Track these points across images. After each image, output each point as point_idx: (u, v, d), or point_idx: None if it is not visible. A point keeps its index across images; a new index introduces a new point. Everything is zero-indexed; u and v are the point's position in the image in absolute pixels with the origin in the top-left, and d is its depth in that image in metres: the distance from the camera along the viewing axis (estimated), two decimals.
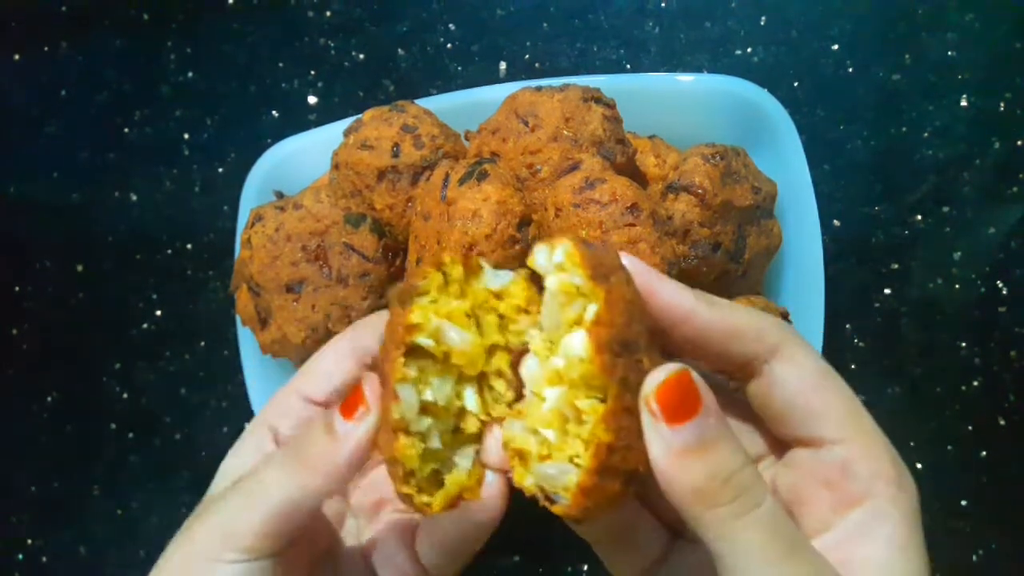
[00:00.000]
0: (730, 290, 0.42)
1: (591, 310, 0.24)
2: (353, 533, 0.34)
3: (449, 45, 0.59)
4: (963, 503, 0.50)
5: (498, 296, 0.27)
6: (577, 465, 0.24)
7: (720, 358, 0.27)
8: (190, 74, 0.62)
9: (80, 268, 0.62)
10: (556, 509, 0.25)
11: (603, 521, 0.29)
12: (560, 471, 0.24)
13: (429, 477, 0.26)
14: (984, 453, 0.51)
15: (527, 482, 0.26)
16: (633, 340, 0.24)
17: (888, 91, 0.54)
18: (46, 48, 0.65)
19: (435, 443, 0.26)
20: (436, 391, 0.26)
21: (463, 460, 0.27)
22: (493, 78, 0.58)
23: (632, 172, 0.43)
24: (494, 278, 0.27)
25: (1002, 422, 0.51)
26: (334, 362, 0.32)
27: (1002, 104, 0.53)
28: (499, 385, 0.28)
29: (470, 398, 0.27)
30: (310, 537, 0.32)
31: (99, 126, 0.63)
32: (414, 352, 0.26)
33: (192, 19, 0.62)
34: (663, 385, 0.23)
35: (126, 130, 0.63)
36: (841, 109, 0.54)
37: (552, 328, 0.26)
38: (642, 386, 0.24)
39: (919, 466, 0.51)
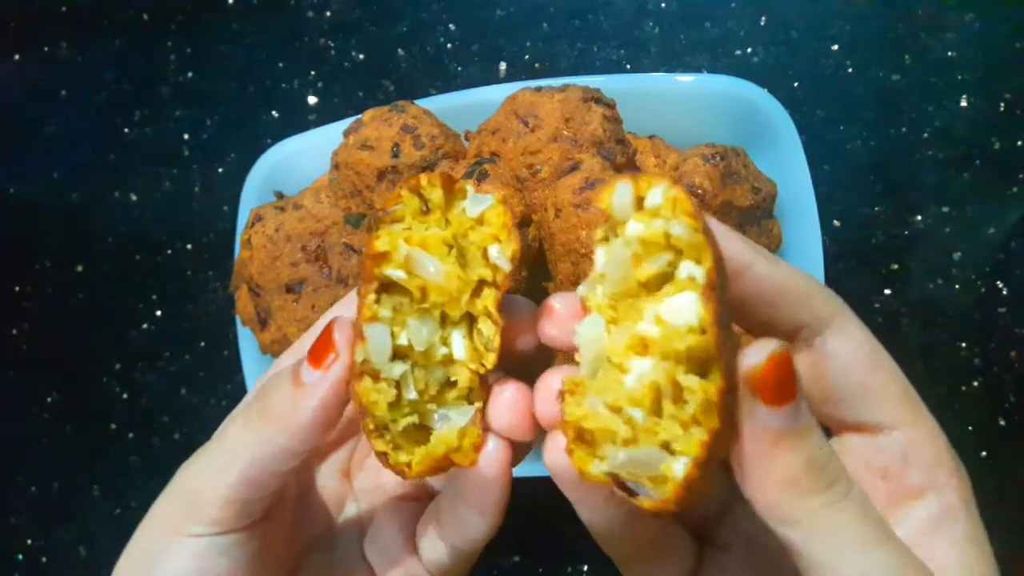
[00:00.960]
0: None
1: (700, 271, 0.20)
2: (354, 519, 0.31)
3: (449, 45, 0.59)
4: None
5: (480, 223, 0.24)
6: (672, 452, 0.20)
7: (766, 324, 0.24)
8: (190, 74, 0.62)
9: (80, 268, 0.62)
10: (644, 503, 0.21)
11: (632, 534, 0.25)
12: (654, 458, 0.20)
13: (409, 433, 0.24)
14: (984, 453, 0.51)
15: (594, 468, 0.21)
16: (727, 308, 0.21)
17: (888, 91, 0.54)
18: (46, 48, 0.65)
19: (411, 393, 0.23)
20: (414, 334, 0.23)
21: (459, 418, 0.24)
22: (493, 78, 0.58)
23: (632, 172, 0.43)
24: (475, 203, 0.24)
25: (1002, 422, 0.51)
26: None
27: (1002, 104, 0.53)
28: (487, 328, 0.24)
29: (458, 344, 0.24)
30: (300, 518, 0.29)
31: (99, 126, 0.63)
32: (389, 289, 0.23)
33: (192, 19, 0.62)
34: (768, 363, 0.20)
35: (126, 130, 0.63)
36: (841, 109, 0.54)
37: (619, 284, 0.22)
38: (740, 363, 0.20)
39: None
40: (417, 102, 0.45)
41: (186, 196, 0.61)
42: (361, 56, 0.60)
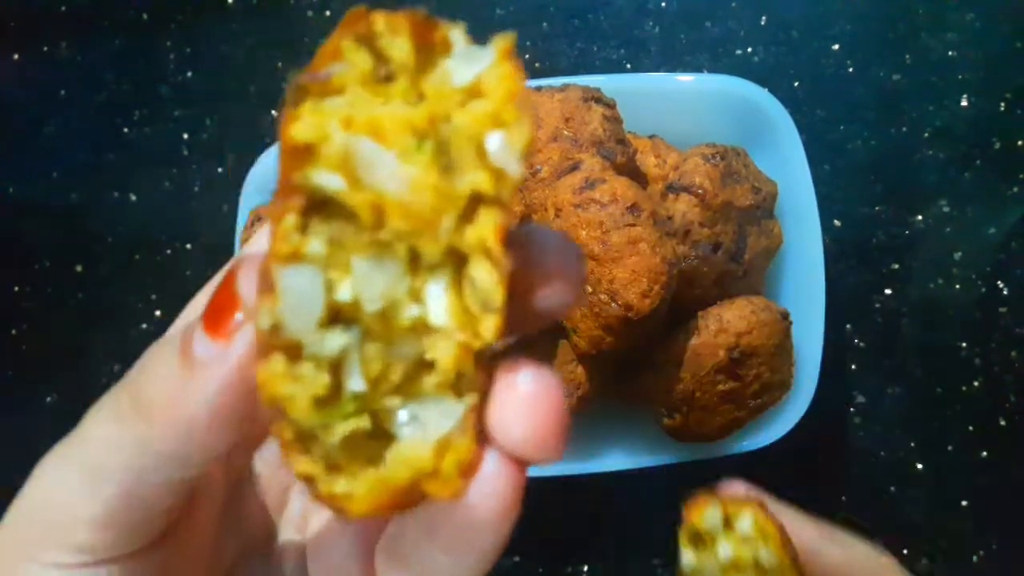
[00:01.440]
0: (730, 290, 0.42)
1: None
2: (298, 520, 0.23)
3: None
4: (964, 503, 0.50)
5: (473, 96, 0.14)
6: None
7: None
8: (189, 74, 0.62)
9: (79, 268, 0.62)
10: None
11: None
12: None
13: (355, 446, 0.15)
14: (985, 453, 0.50)
15: None
16: None
17: (889, 91, 0.54)
18: (45, 48, 0.65)
19: (355, 381, 0.14)
20: (363, 283, 0.14)
21: (437, 420, 0.15)
22: None
23: (632, 172, 0.43)
24: (466, 62, 0.14)
25: (1003, 422, 0.51)
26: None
27: (1003, 104, 0.53)
28: (483, 274, 0.14)
29: (436, 300, 0.14)
30: (229, 522, 0.21)
31: (98, 126, 0.63)
32: (325, 211, 0.14)
33: (192, 19, 0.62)
34: None
35: (125, 130, 0.62)
36: (841, 109, 0.54)
37: None
38: None
39: (920, 466, 0.51)
40: None
41: (186, 196, 0.61)
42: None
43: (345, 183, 0.14)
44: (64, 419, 0.64)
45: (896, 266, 0.52)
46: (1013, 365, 0.51)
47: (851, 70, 0.54)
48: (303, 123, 0.14)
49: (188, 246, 0.60)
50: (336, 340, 0.14)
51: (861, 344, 0.52)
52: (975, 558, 0.50)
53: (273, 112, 0.60)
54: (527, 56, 0.58)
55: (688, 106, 0.46)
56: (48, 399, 0.61)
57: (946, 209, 0.52)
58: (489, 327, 0.14)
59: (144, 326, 0.60)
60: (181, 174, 0.61)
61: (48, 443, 0.63)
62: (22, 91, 0.65)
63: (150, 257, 0.61)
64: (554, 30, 0.57)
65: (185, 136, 0.61)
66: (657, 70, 0.56)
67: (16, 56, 0.65)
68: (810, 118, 0.54)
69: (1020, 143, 0.53)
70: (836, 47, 0.54)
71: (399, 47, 0.14)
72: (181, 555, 0.19)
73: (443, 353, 0.14)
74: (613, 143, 0.40)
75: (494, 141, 0.14)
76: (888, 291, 0.52)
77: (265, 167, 0.50)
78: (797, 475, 0.52)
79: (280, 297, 0.14)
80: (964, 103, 0.53)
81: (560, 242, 0.16)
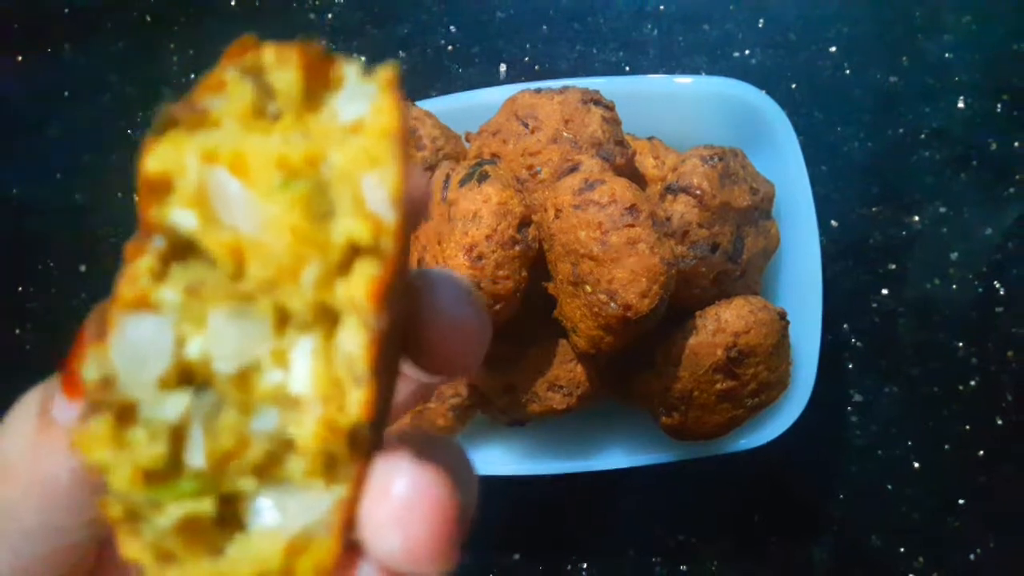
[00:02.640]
0: (728, 290, 0.43)
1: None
2: None
3: (449, 47, 0.59)
4: (960, 502, 0.51)
5: (354, 131, 0.13)
6: None
7: None
8: (193, 76, 0.62)
9: (83, 268, 0.63)
10: None
11: None
12: None
13: (196, 531, 0.12)
14: (981, 452, 0.51)
15: None
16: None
17: (885, 93, 0.54)
18: (49, 49, 0.65)
19: (195, 455, 0.12)
20: (217, 338, 0.12)
21: (299, 512, 0.13)
22: (493, 80, 0.58)
23: (631, 173, 0.43)
24: (353, 98, 0.13)
25: (999, 422, 0.51)
26: None
27: (999, 106, 0.53)
28: (352, 337, 0.12)
29: (300, 363, 0.13)
30: None
31: (102, 127, 0.63)
32: (187, 256, 0.13)
33: (194, 21, 0.63)
34: None
35: (129, 131, 0.63)
36: (839, 111, 0.54)
37: None
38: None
39: (916, 465, 0.51)
40: (418, 103, 0.45)
41: None
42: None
43: (199, 221, 0.12)
44: None
45: (893, 266, 0.53)
46: (1009, 364, 0.51)
47: (848, 72, 0.54)
48: (158, 153, 0.12)
49: None
50: (178, 404, 0.12)
51: (858, 344, 0.53)
52: (972, 556, 0.50)
53: None
54: (527, 59, 0.58)
55: (686, 108, 0.47)
56: None
57: (943, 210, 0.53)
58: (357, 400, 0.12)
59: None
60: None
61: None
62: (26, 92, 0.65)
63: None
64: (554, 33, 0.58)
65: None
66: (656, 72, 0.57)
67: (20, 57, 0.66)
68: (807, 120, 0.54)
69: (1016, 144, 0.53)
70: (833, 49, 0.55)
71: (285, 81, 0.13)
72: None
73: (305, 429, 0.12)
74: (612, 145, 0.40)
75: (368, 183, 0.12)
76: (885, 291, 0.53)
77: None
78: (794, 474, 0.52)
79: (114, 345, 0.12)
80: (960, 105, 0.54)
81: (457, 291, 0.14)
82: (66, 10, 0.65)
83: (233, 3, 0.62)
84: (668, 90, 0.47)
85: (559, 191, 0.38)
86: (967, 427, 0.51)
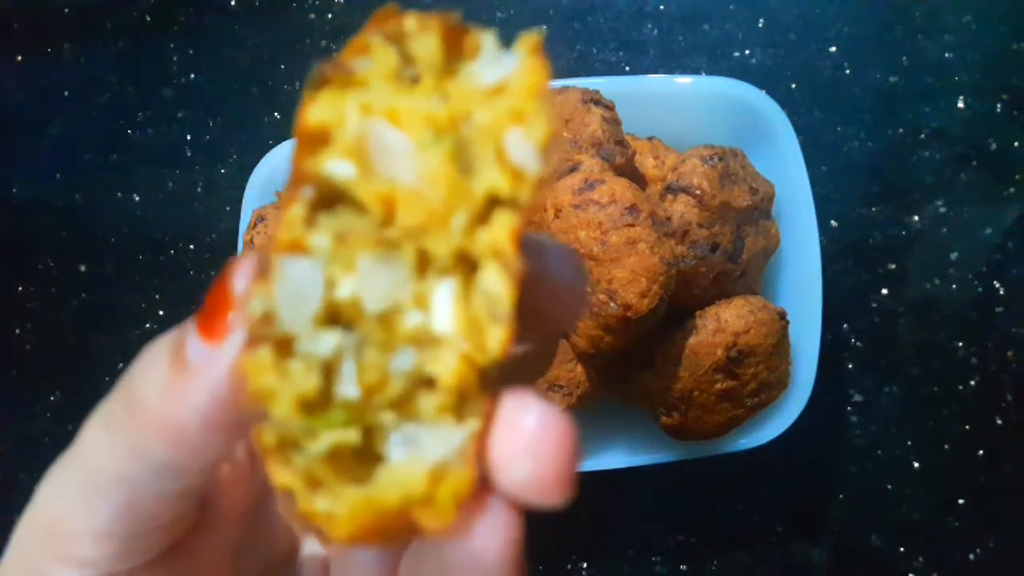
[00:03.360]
0: (728, 290, 0.43)
1: None
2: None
3: None
4: (960, 502, 0.51)
5: (497, 95, 0.14)
6: None
7: None
8: (192, 76, 0.62)
9: (83, 268, 0.63)
10: None
11: None
12: None
13: (341, 463, 0.13)
14: (981, 452, 0.51)
15: None
16: None
17: (885, 93, 0.54)
18: (48, 50, 0.65)
19: (348, 386, 0.13)
20: (366, 281, 0.13)
21: (434, 444, 0.13)
22: None
23: (631, 173, 0.43)
24: (492, 64, 0.14)
25: (999, 421, 0.51)
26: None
27: (999, 105, 0.53)
28: (495, 280, 0.13)
29: (442, 305, 0.13)
30: (250, 535, 0.20)
31: (102, 128, 0.63)
32: (334, 205, 0.13)
33: (194, 21, 0.63)
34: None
35: (129, 131, 0.63)
36: (838, 111, 0.54)
37: None
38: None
39: (916, 465, 0.51)
40: None
41: (189, 197, 0.61)
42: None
43: (356, 171, 0.13)
44: (67, 419, 0.65)
45: (893, 266, 0.53)
46: (1009, 364, 0.51)
47: (848, 72, 0.55)
48: (320, 106, 0.13)
49: (191, 246, 0.61)
50: (331, 340, 0.13)
51: (858, 343, 0.53)
52: (972, 556, 0.50)
53: (276, 114, 0.61)
54: None
55: (686, 108, 0.47)
56: (51, 398, 0.62)
57: (943, 210, 0.53)
58: (496, 339, 0.13)
59: (147, 326, 0.61)
60: (184, 175, 0.62)
61: (50, 442, 0.65)
62: (25, 92, 0.65)
63: (153, 257, 0.61)
64: (553, 33, 0.58)
65: (188, 137, 0.62)
66: (656, 72, 0.57)
67: (19, 58, 0.66)
68: (807, 119, 0.54)
69: (1016, 144, 0.53)
70: (833, 49, 0.55)
71: (427, 46, 0.14)
72: (192, 571, 0.18)
73: (445, 366, 0.13)
74: (612, 144, 0.40)
75: (513, 138, 0.13)
76: (885, 291, 0.53)
77: (268, 168, 0.50)
78: (794, 473, 0.52)
79: (276, 284, 0.13)
80: (960, 104, 0.54)
81: (565, 254, 0.15)
82: (66, 10, 0.65)
83: (233, 3, 0.62)
84: (668, 90, 0.47)
85: (559, 191, 0.38)
86: (967, 427, 0.51)
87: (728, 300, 0.41)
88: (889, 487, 0.51)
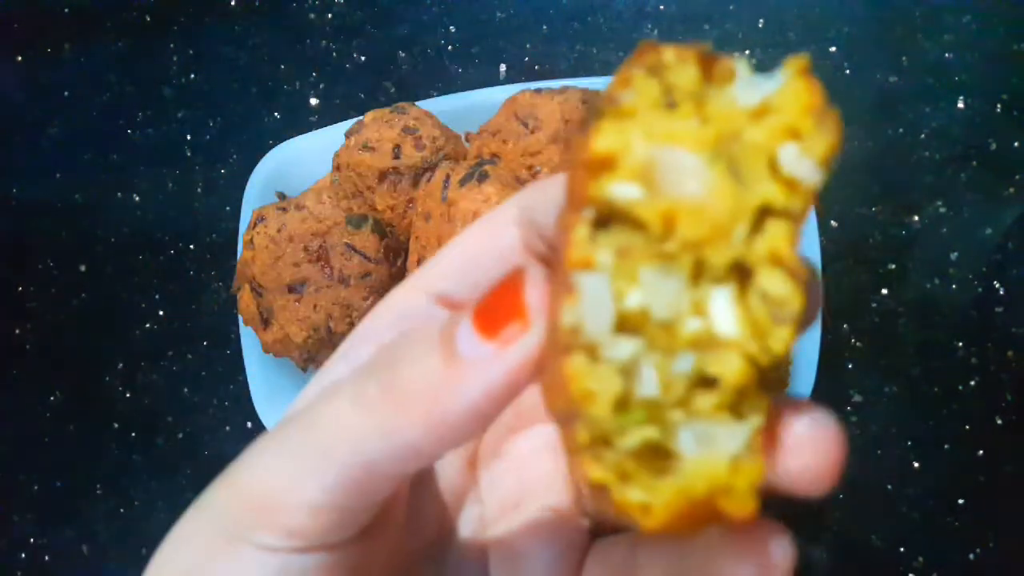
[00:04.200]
0: None
1: None
2: (476, 527, 0.22)
3: (449, 47, 0.59)
4: (960, 501, 0.51)
5: (762, 116, 0.15)
6: None
7: None
8: (192, 76, 0.63)
9: (83, 268, 0.63)
10: None
11: None
12: None
13: (642, 458, 0.14)
14: (981, 452, 0.51)
15: None
16: None
17: (885, 93, 0.54)
18: (49, 50, 0.65)
19: (648, 386, 0.14)
20: (651, 291, 0.14)
21: (725, 439, 0.14)
22: (493, 80, 0.58)
23: None
24: (752, 86, 0.15)
25: (999, 421, 0.51)
26: (490, 242, 0.19)
27: (999, 106, 0.53)
28: (776, 283, 0.14)
29: (722, 309, 0.14)
30: (410, 525, 0.20)
31: (102, 127, 0.64)
32: (609, 222, 0.15)
33: (194, 21, 0.63)
34: None
35: (129, 131, 0.63)
36: (839, 111, 0.54)
37: None
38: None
39: (916, 465, 0.51)
40: (418, 104, 0.46)
41: (189, 197, 0.61)
42: (362, 58, 0.60)
43: (643, 192, 0.14)
44: (67, 419, 0.65)
45: (893, 266, 0.53)
46: (1009, 364, 0.51)
47: (848, 72, 0.55)
48: (606, 135, 0.14)
49: (191, 246, 0.61)
50: (628, 346, 0.14)
51: (858, 343, 0.53)
52: (972, 556, 0.50)
53: (276, 114, 0.61)
54: (527, 59, 0.58)
55: None
56: (51, 398, 0.62)
57: (943, 210, 0.53)
58: (782, 338, 0.14)
59: (147, 326, 0.61)
60: (184, 175, 0.62)
61: (51, 442, 0.64)
62: (26, 92, 0.65)
63: (153, 257, 0.61)
64: (554, 33, 0.58)
65: (188, 137, 0.62)
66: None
67: (20, 58, 0.66)
68: None
69: (1016, 144, 0.53)
70: (833, 49, 0.55)
71: (687, 75, 0.15)
72: (375, 552, 0.18)
73: (729, 366, 0.14)
74: None
75: (789, 152, 0.14)
76: (885, 291, 0.53)
77: (268, 168, 0.50)
78: None
79: (580, 299, 0.14)
80: (960, 105, 0.54)
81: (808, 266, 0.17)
82: (66, 10, 0.65)
83: (233, 3, 0.62)
84: None
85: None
86: (967, 427, 0.51)
87: None
88: (889, 487, 0.51)
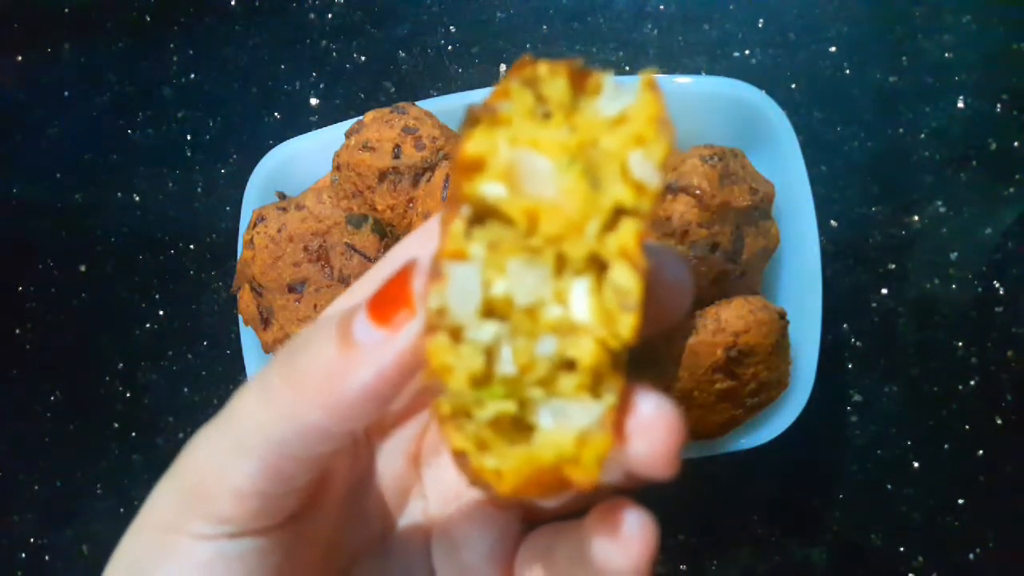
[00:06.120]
0: (728, 290, 0.43)
1: None
2: (420, 521, 0.23)
3: (449, 47, 0.59)
4: (960, 501, 0.51)
5: (619, 124, 0.17)
6: None
7: None
8: (192, 76, 0.63)
9: (83, 268, 0.63)
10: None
11: None
12: None
13: (502, 430, 0.16)
14: (981, 452, 0.51)
15: None
16: None
17: (885, 93, 0.54)
18: (48, 50, 0.65)
19: (506, 364, 0.16)
20: (516, 280, 0.16)
21: (578, 415, 0.16)
22: (493, 80, 0.58)
23: None
24: (613, 98, 0.17)
25: (999, 421, 0.51)
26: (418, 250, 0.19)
27: (999, 105, 0.53)
28: (624, 276, 0.16)
29: (579, 298, 0.16)
30: (351, 515, 0.22)
31: (101, 127, 0.64)
32: (484, 221, 0.16)
33: (194, 21, 0.63)
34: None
35: (129, 131, 0.63)
36: (838, 111, 0.54)
37: None
38: None
39: (916, 465, 0.51)
40: (418, 103, 0.46)
41: (189, 197, 0.61)
42: (362, 58, 0.60)
43: (507, 191, 0.16)
44: (67, 419, 0.65)
45: (893, 266, 0.53)
46: (1009, 364, 0.51)
47: (848, 72, 0.55)
48: (476, 141, 0.16)
49: (191, 246, 0.61)
50: (491, 329, 0.16)
51: (858, 343, 0.53)
52: (971, 556, 0.50)
53: (276, 114, 0.61)
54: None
55: (686, 108, 0.47)
56: (51, 398, 0.62)
57: (942, 210, 0.53)
58: (627, 325, 0.16)
59: (148, 326, 0.61)
60: (184, 175, 0.62)
61: (51, 442, 0.64)
62: (25, 92, 0.65)
63: (153, 257, 0.61)
64: (554, 33, 0.58)
65: (188, 137, 0.62)
66: (656, 72, 0.57)
67: (19, 57, 0.66)
68: (807, 119, 0.54)
69: (1016, 144, 0.53)
70: (833, 49, 0.55)
71: (557, 88, 0.17)
72: (307, 539, 0.20)
73: (584, 350, 0.16)
74: None
75: (636, 158, 0.16)
76: (885, 291, 0.53)
77: (268, 168, 0.50)
78: (794, 473, 0.52)
79: (447, 284, 0.16)
80: (960, 104, 0.54)
81: (675, 258, 0.18)
82: (66, 10, 0.65)
83: (233, 3, 0.62)
84: (668, 90, 0.46)
85: None
86: (967, 427, 0.51)
87: (728, 300, 0.41)
88: (889, 487, 0.51)
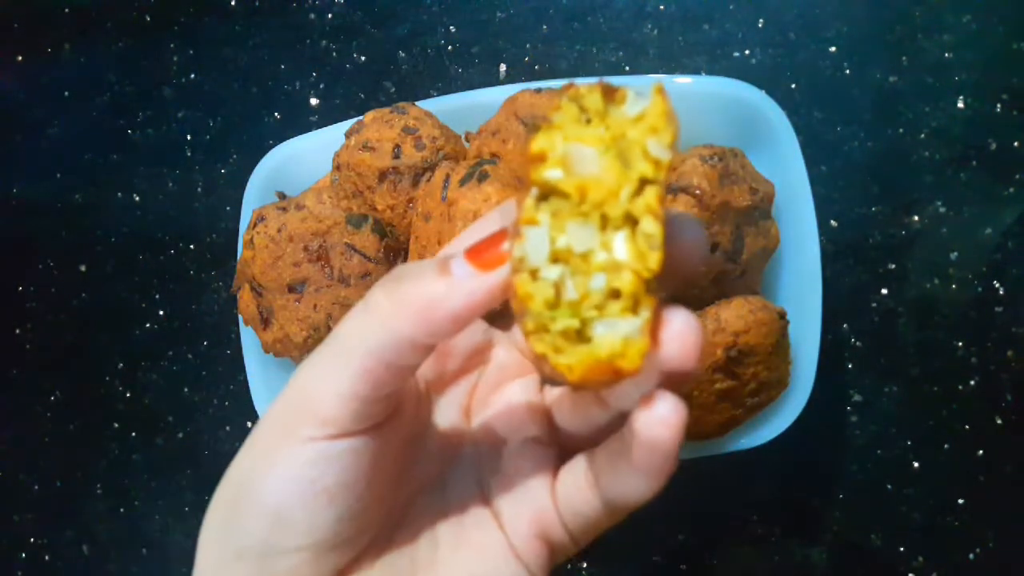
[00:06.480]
0: (728, 290, 0.43)
1: None
2: (471, 460, 0.28)
3: (449, 47, 0.59)
4: (960, 501, 0.51)
5: (639, 120, 0.23)
6: None
7: None
8: (192, 76, 0.63)
9: (83, 268, 0.63)
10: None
11: None
12: None
13: (569, 338, 0.22)
14: (981, 452, 0.51)
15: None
16: None
17: (885, 93, 0.54)
18: (49, 50, 0.65)
19: (570, 292, 0.22)
20: (573, 236, 0.22)
21: (624, 327, 0.22)
22: (493, 80, 0.58)
23: None
24: (635, 104, 0.23)
25: (999, 421, 0.51)
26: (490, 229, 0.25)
27: (998, 105, 0.53)
28: (650, 224, 0.22)
29: (619, 244, 0.22)
30: (415, 450, 0.27)
31: (102, 127, 0.64)
32: (548, 198, 0.23)
33: (194, 21, 0.63)
34: None
35: (129, 131, 0.63)
36: (838, 111, 0.54)
37: None
38: None
39: (916, 465, 0.51)
40: (418, 103, 0.46)
41: (189, 197, 0.61)
42: (362, 58, 0.60)
43: (563, 173, 0.22)
44: (67, 419, 0.65)
45: (893, 266, 0.53)
46: (1009, 364, 0.51)
47: (848, 72, 0.55)
48: (539, 141, 0.22)
49: (191, 246, 0.61)
50: (557, 270, 0.22)
51: (858, 343, 0.53)
52: (972, 556, 0.50)
53: (276, 114, 0.61)
54: (527, 59, 0.58)
55: (686, 108, 0.46)
56: (52, 398, 0.62)
57: (942, 210, 0.53)
58: (655, 259, 0.22)
59: (148, 325, 0.61)
60: (184, 175, 0.62)
61: (51, 442, 0.64)
62: (26, 92, 0.66)
63: (153, 257, 0.61)
64: (553, 32, 0.58)
65: (188, 137, 0.62)
66: (655, 72, 0.57)
67: (20, 58, 0.66)
68: (807, 119, 0.54)
69: (1016, 144, 0.53)
70: (833, 49, 0.55)
71: (594, 101, 0.23)
72: (389, 445, 0.24)
73: (625, 281, 0.22)
74: None
75: (652, 143, 0.22)
76: (885, 291, 0.53)
77: (268, 168, 0.50)
78: (794, 473, 0.52)
79: (525, 240, 0.22)
80: (960, 104, 0.54)
81: (692, 220, 0.24)
82: (66, 10, 0.65)
83: (233, 3, 0.62)
84: (668, 90, 0.46)
85: None
86: (966, 427, 0.51)
87: (728, 300, 0.41)
88: (889, 487, 0.51)
